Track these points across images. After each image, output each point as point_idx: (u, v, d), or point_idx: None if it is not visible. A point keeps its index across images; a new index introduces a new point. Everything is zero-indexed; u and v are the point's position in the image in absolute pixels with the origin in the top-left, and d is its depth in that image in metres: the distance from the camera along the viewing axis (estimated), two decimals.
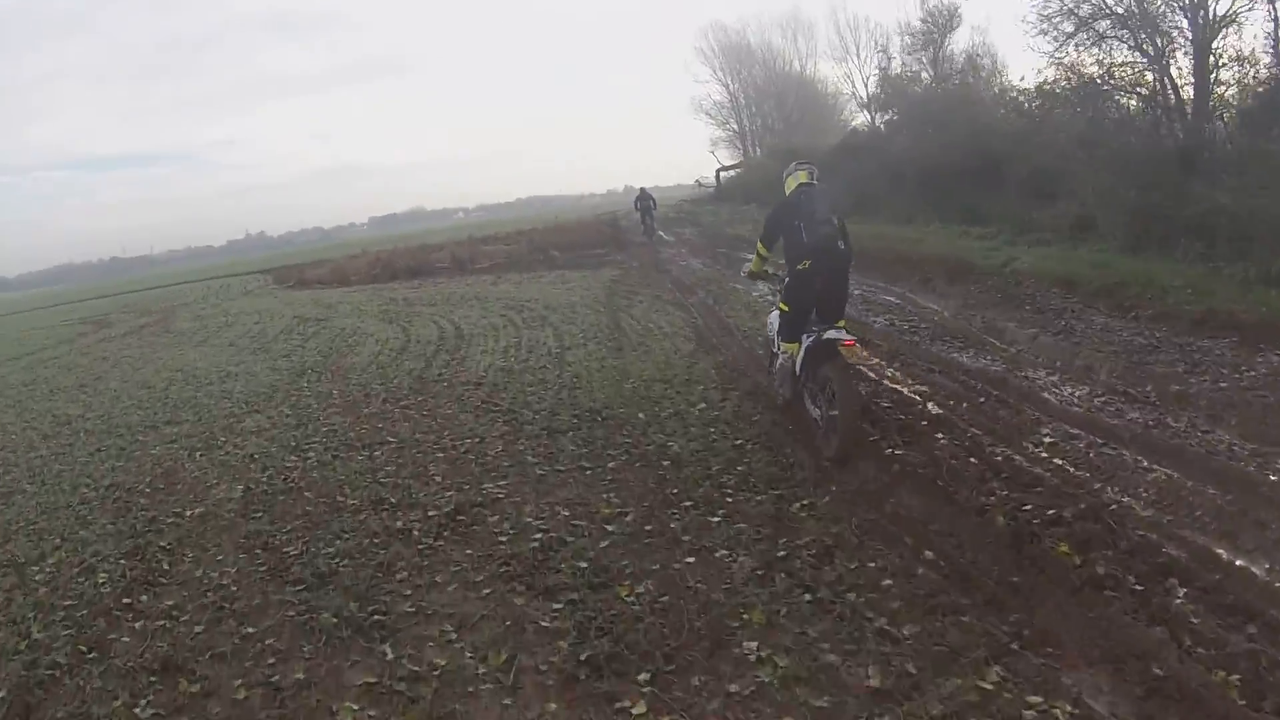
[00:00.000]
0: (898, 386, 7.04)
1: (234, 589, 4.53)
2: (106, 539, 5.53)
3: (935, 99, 21.56)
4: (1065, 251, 11.87)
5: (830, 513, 4.66)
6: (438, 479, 5.93)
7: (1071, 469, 4.97)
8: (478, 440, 6.76)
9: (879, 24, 42.38)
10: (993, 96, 19.81)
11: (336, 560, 4.72)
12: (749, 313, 10.94)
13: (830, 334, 5.54)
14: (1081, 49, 15.31)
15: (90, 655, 3.99)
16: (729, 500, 4.97)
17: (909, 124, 22.41)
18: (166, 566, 4.96)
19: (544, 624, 3.81)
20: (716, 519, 4.73)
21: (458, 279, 22.09)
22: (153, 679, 3.74)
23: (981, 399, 6.47)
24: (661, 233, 27.27)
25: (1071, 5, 15.31)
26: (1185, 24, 14.01)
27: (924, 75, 23.41)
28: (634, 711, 3.18)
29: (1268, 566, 3.70)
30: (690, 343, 9.54)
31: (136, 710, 3.53)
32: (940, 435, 5.69)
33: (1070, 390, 6.51)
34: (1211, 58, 13.64)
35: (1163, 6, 14.24)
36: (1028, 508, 4.41)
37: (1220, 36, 13.61)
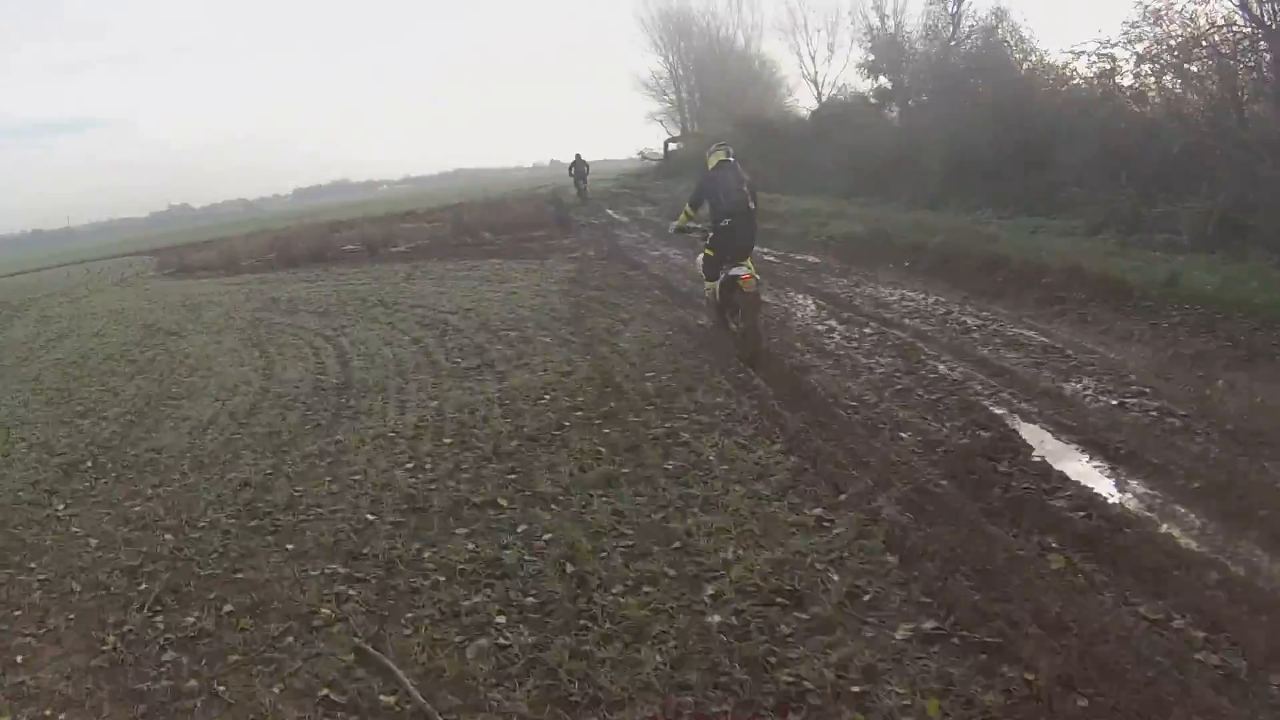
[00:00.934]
0: None
1: None
2: None
3: (952, 66, 17.47)
4: (1248, 265, 8.05)
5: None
6: None
7: None
8: None
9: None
10: (1032, 63, 15.88)
11: None
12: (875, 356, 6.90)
13: (734, 270, 7.07)
14: None
15: None
16: None
17: (917, 93, 18.49)
18: None
19: None
20: None
21: (365, 268, 17.21)
22: None
23: None
24: (612, 212, 22.77)
25: None
26: None
27: (936, 31, 19.22)
28: None
29: None
30: (780, 450, 4.93)
31: None
32: None
33: None
34: None
35: None
36: None
37: None
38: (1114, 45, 12.49)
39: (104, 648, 3.59)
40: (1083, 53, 13.46)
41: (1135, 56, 12.04)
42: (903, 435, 4.99)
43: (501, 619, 3.41)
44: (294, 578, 3.96)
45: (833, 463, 4.57)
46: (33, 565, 4.55)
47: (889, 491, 4.13)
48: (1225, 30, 10.73)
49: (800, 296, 9.49)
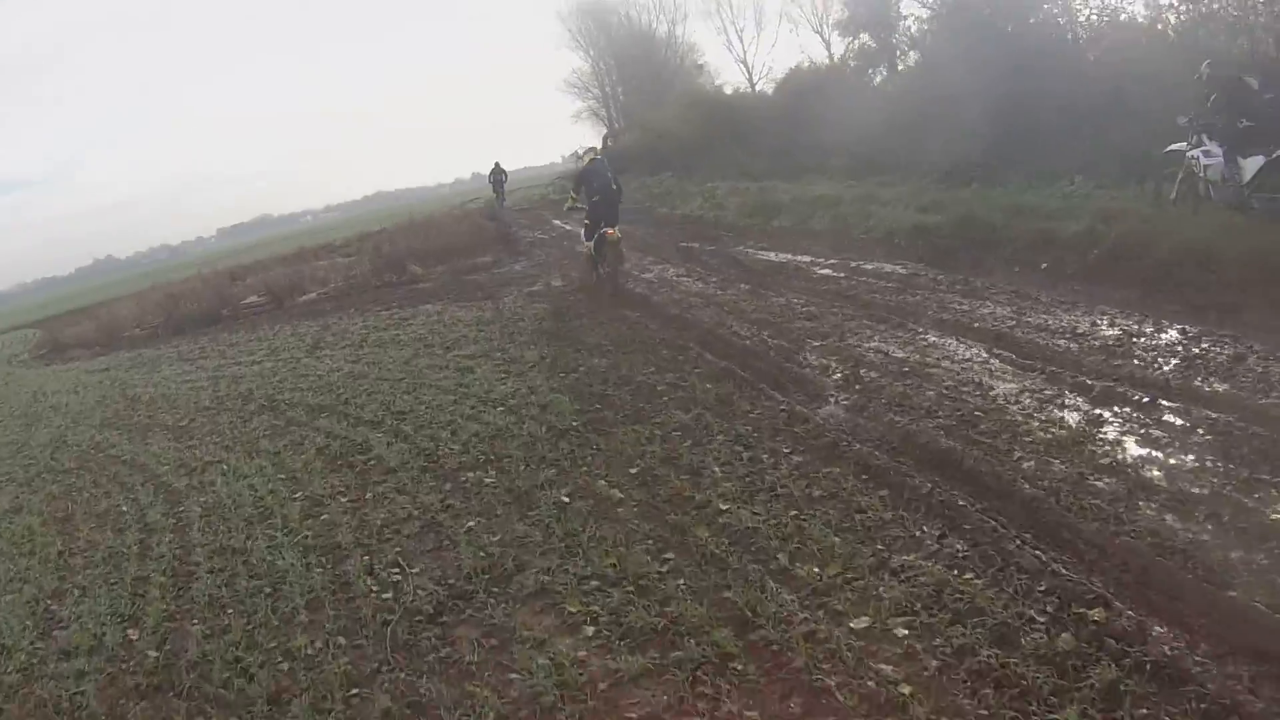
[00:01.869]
0: None
1: None
2: None
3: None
4: None
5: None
6: None
7: None
8: None
9: None
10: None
11: None
12: None
13: (602, 230, 9.58)
14: None
15: None
16: None
17: (919, 44, 15.02)
18: None
19: None
20: None
21: (263, 334, 13.00)
22: None
23: None
24: (560, 223, 18.88)
25: None
26: None
27: None
28: None
29: None
30: None
31: None
32: None
33: None
34: None
35: None
36: None
37: None
38: None
39: None
40: None
41: None
42: None
43: None
44: None
45: None
46: None
47: None
48: None
49: (972, 348, 5.55)
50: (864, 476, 3.96)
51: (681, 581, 3.35)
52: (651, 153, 25.10)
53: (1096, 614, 2.67)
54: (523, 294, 11.17)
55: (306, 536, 4.58)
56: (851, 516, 3.61)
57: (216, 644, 3.64)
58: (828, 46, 22.95)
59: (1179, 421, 3.96)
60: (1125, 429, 4.01)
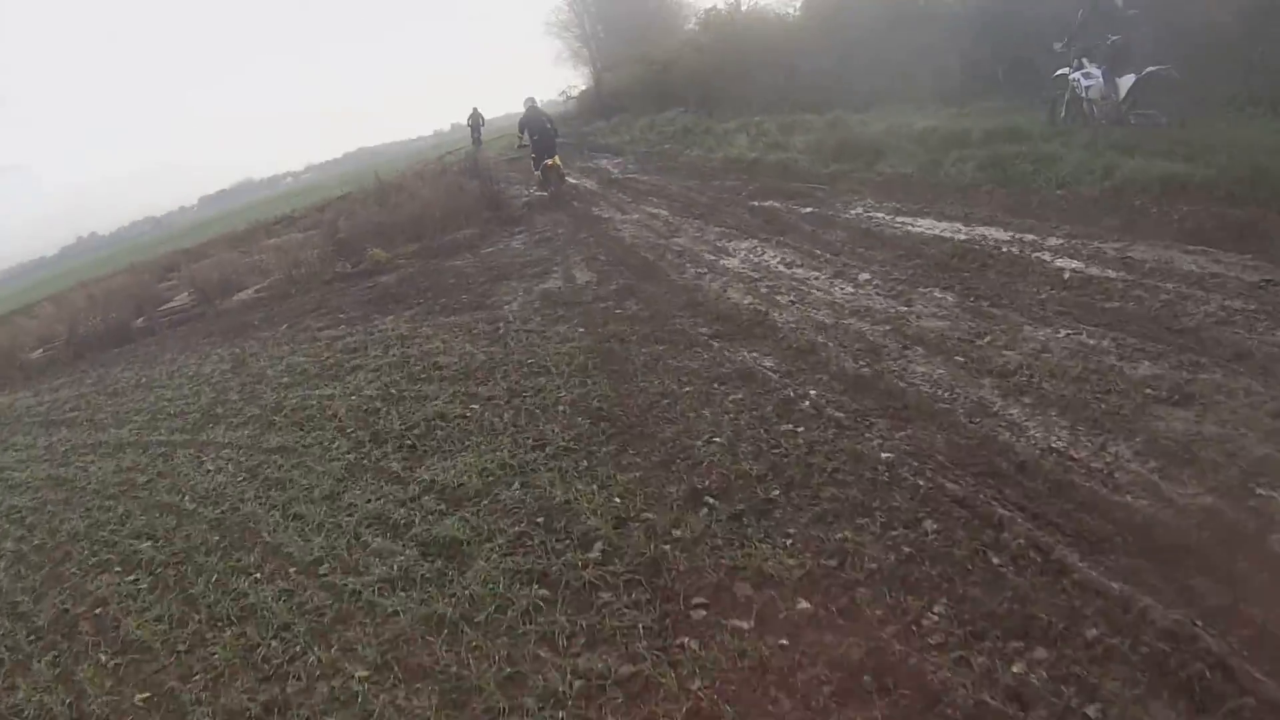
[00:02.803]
0: None
1: None
2: None
3: None
4: None
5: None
6: None
7: None
8: None
9: None
10: None
11: None
12: None
13: (546, 160, 12.06)
14: None
15: None
16: None
17: None
18: None
19: None
20: None
21: (166, 362, 8.89)
22: None
23: None
24: (572, 180, 14.38)
25: None
26: None
27: None
28: None
29: None
30: None
31: None
32: None
33: None
34: None
35: None
36: None
37: None
38: None
39: None
40: None
41: None
42: None
43: None
44: None
45: None
46: None
47: None
48: None
49: None
50: None
51: None
52: (654, 87, 20.49)
53: None
54: (532, 298, 7.11)
55: None
56: None
57: None
58: None
59: None
60: None
